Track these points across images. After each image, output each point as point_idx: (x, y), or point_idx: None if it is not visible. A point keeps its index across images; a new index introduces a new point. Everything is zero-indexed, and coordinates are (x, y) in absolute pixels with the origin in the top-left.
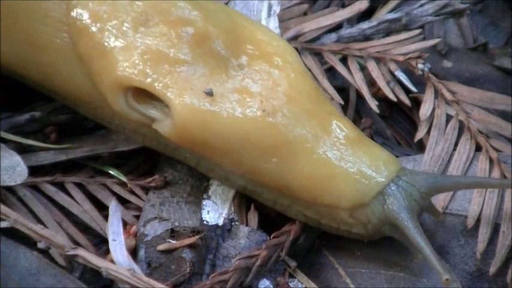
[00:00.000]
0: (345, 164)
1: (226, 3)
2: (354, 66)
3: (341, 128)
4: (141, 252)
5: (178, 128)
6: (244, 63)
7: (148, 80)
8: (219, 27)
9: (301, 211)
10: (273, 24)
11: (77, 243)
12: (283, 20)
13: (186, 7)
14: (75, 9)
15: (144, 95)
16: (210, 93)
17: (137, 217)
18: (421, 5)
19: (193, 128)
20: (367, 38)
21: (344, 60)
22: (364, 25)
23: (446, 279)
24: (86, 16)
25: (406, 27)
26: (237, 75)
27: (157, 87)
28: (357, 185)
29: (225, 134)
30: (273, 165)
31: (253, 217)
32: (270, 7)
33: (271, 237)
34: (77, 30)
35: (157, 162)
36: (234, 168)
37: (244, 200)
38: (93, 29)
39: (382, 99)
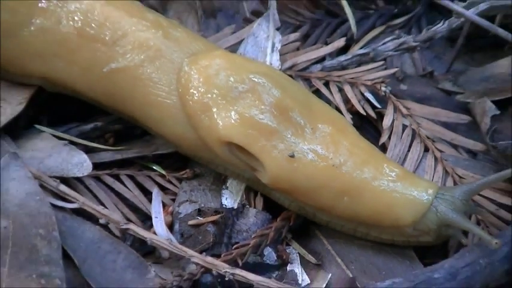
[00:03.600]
0: (399, 194)
1: (240, 42)
2: (334, 88)
3: (391, 169)
4: (176, 226)
5: (272, 180)
6: (315, 128)
7: (246, 141)
8: (295, 100)
9: (364, 232)
10: (275, 57)
11: (128, 220)
12: (282, 54)
13: (270, 86)
14: (183, 79)
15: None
16: (292, 156)
17: (173, 200)
18: (384, 43)
19: (283, 180)
20: (343, 67)
21: (327, 84)
22: (342, 58)
23: (496, 243)
24: (193, 85)
25: (373, 60)
26: (310, 138)
27: (253, 149)
28: (410, 207)
29: (307, 183)
30: (345, 203)
31: (259, 202)
32: (273, 45)
33: (277, 220)
34: (186, 95)
35: (187, 161)
36: (317, 205)
37: (252, 190)
38: (200, 95)
39: (355, 113)
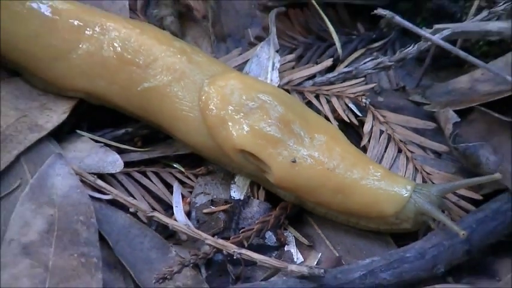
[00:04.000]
0: (383, 191)
1: (246, 62)
2: (323, 100)
3: (375, 170)
4: (193, 214)
5: (278, 181)
6: (312, 137)
7: (256, 149)
8: (295, 114)
9: (355, 222)
10: (275, 74)
11: (153, 209)
12: (280, 71)
13: (275, 103)
14: (203, 97)
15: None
16: (294, 161)
17: (190, 192)
18: (364, 63)
19: (287, 181)
20: (331, 83)
21: (317, 97)
22: (330, 75)
23: (463, 234)
24: (211, 102)
25: (355, 76)
26: (309, 145)
27: (262, 155)
28: (393, 201)
29: (307, 183)
30: (339, 199)
31: (261, 194)
32: (273, 64)
33: (277, 209)
34: (206, 110)
35: (202, 160)
36: (315, 201)
37: (255, 185)
38: (218, 110)
39: (340, 121)
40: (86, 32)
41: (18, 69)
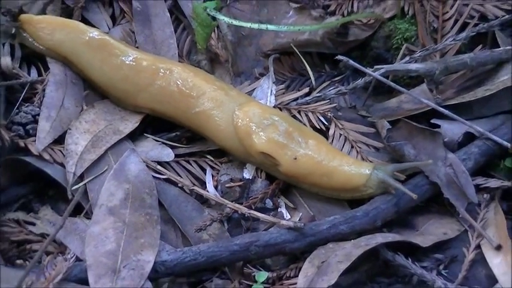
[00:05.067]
0: (354, 171)
1: (253, 90)
2: (303, 115)
3: (347, 159)
4: (219, 188)
5: (285, 171)
6: (307, 142)
7: (271, 151)
8: (294, 127)
9: (336, 194)
10: (273, 98)
11: (194, 184)
12: (275, 96)
13: (281, 121)
14: (235, 118)
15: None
16: (295, 158)
17: (217, 173)
18: (329, 90)
19: (291, 172)
20: (308, 103)
21: (299, 112)
22: (307, 98)
23: (415, 196)
24: (241, 122)
25: (323, 99)
26: (305, 147)
27: (275, 155)
28: (361, 176)
29: (304, 172)
30: (325, 180)
31: (263, 176)
32: (271, 91)
33: (273, 184)
34: (237, 126)
35: (225, 153)
36: (309, 183)
37: (259, 170)
38: (245, 127)
39: (314, 128)
40: (160, 73)
41: (108, 96)
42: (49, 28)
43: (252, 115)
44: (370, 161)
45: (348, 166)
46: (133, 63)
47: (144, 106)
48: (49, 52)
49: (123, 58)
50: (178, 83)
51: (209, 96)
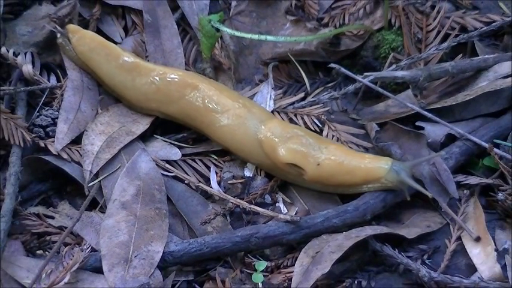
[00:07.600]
0: (373, 167)
1: (254, 95)
2: (299, 117)
3: (365, 156)
4: (222, 184)
5: (310, 178)
6: (325, 147)
7: (295, 161)
8: (312, 137)
9: (358, 189)
10: (271, 102)
11: (199, 181)
12: (274, 100)
13: (301, 133)
14: (258, 133)
15: None
16: (318, 164)
17: (221, 170)
18: (323, 95)
19: (316, 177)
20: (303, 107)
21: (296, 115)
22: (303, 102)
23: (431, 194)
24: (264, 135)
25: (318, 103)
26: (325, 153)
27: (299, 164)
28: (380, 170)
29: (328, 175)
30: (348, 178)
31: (262, 173)
32: (270, 96)
33: (271, 181)
34: (262, 140)
35: (227, 153)
36: (334, 184)
37: (259, 168)
38: (268, 140)
39: (309, 130)
40: (188, 89)
41: (125, 103)
42: (91, 45)
43: (274, 130)
44: None
45: (368, 160)
46: (166, 79)
47: (168, 113)
48: (81, 63)
49: (156, 77)
50: (205, 99)
51: (233, 113)
